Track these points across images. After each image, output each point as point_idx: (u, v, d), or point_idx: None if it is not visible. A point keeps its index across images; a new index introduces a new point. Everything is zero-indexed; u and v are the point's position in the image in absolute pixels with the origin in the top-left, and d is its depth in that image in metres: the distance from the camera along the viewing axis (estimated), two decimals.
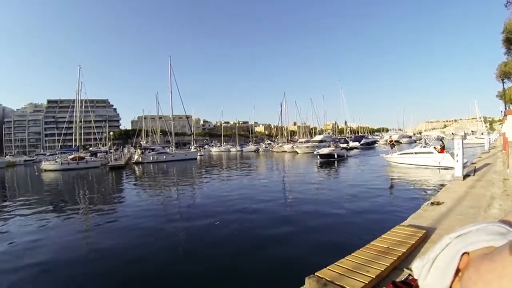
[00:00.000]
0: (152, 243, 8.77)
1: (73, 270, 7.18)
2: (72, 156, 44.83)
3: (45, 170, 41.08)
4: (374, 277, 3.60)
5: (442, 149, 21.88)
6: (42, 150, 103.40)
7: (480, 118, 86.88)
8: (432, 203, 7.66)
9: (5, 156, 79.28)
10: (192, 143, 78.58)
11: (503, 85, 29.70)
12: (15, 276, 6.91)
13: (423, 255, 0.61)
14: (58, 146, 67.22)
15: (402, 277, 3.80)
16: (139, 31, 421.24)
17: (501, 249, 0.46)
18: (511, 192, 8.35)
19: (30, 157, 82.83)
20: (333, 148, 37.83)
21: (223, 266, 6.96)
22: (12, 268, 7.41)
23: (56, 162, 43.54)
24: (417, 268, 0.65)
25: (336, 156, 35.78)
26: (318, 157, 36.57)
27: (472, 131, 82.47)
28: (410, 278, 1.42)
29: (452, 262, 0.53)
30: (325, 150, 37.26)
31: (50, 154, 64.47)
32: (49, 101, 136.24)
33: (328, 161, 34.02)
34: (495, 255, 0.46)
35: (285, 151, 61.71)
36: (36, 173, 38.43)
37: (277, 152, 65.71)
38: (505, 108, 30.90)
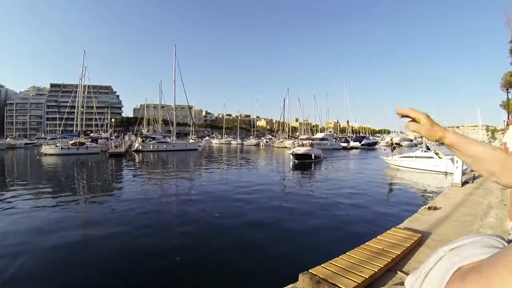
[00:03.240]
0: (146, 235, 8.81)
1: (64, 259, 7.23)
2: (73, 141, 44.79)
3: (45, 154, 41.05)
4: (367, 277, 3.62)
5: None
6: (43, 134, 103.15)
7: (482, 126, 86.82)
8: (429, 208, 7.69)
9: (6, 139, 79.33)
10: (191, 134, 78.41)
11: (507, 95, 29.65)
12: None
13: (417, 260, 0.61)
14: (59, 130, 67.08)
15: (398, 282, 3.84)
16: (146, 17, 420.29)
17: (488, 261, 0.45)
18: (508, 202, 8.37)
19: (31, 140, 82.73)
20: (310, 148, 33.33)
21: (217, 259, 7.01)
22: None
23: (57, 146, 43.50)
24: (409, 283, 0.63)
25: (313, 157, 32.00)
26: (292, 157, 32.03)
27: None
28: None
29: (446, 276, 0.52)
30: (300, 150, 32.63)
31: (51, 138, 64.26)
32: (52, 85, 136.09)
33: (303, 163, 30.07)
34: (483, 266, 0.45)
35: (286, 147, 61.32)
36: (37, 157, 38.45)
37: (278, 147, 65.77)
38: (508, 118, 30.82)
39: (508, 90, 28.69)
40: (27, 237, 8.36)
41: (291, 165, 29.56)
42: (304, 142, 41.50)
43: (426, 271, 0.57)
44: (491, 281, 0.40)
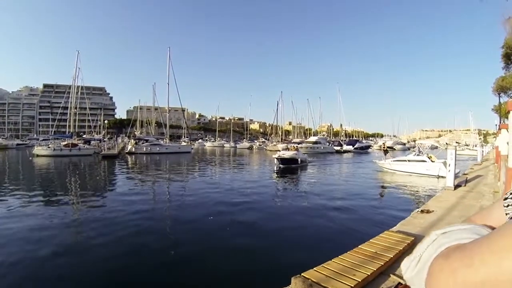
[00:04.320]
0: (137, 239, 8.74)
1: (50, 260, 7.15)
2: (65, 142, 44.48)
3: (37, 155, 40.71)
4: (360, 280, 3.61)
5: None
6: (35, 135, 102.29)
7: (474, 130, 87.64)
8: (421, 211, 7.71)
9: None
10: (183, 136, 78.15)
11: (499, 99, 29.95)
12: None
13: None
14: (51, 131, 66.37)
15: (391, 285, 3.82)
16: (141, 19, 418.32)
17: (473, 241, 0.47)
18: (493, 202, 8.40)
19: (23, 141, 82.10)
20: (296, 152, 31.82)
21: (212, 261, 6.97)
22: None
23: (49, 147, 43.16)
24: (405, 265, 0.65)
25: (299, 162, 30.56)
26: (276, 161, 30.19)
27: (465, 143, 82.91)
28: (400, 286, 1.42)
29: (433, 254, 0.54)
30: (286, 154, 30.84)
31: (43, 139, 63.62)
32: (45, 85, 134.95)
33: (288, 168, 28.85)
34: (467, 245, 0.47)
35: (279, 150, 61.09)
36: (29, 158, 38.08)
37: (271, 150, 65.80)
38: (500, 122, 31.14)
39: (500, 95, 28.97)
40: (15, 241, 8.25)
41: (275, 169, 28.51)
42: (289, 146, 39.56)
43: (421, 253, 0.59)
44: (473, 261, 0.42)
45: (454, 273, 0.44)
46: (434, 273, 0.49)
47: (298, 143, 51.67)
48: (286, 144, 53.13)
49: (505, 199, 0.62)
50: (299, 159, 30.50)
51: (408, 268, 0.63)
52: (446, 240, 0.55)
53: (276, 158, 30.19)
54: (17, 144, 71.83)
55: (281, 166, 29.21)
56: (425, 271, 0.56)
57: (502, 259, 0.37)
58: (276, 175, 24.70)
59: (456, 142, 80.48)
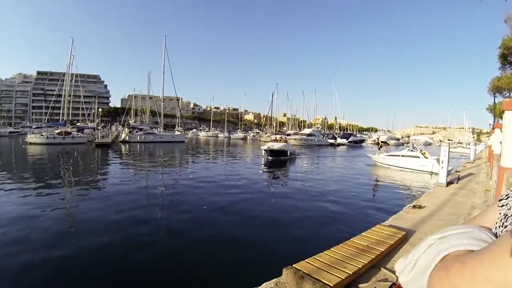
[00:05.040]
0: (130, 225, 8.74)
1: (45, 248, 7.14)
2: (59, 130, 44.02)
3: (30, 143, 40.28)
4: (351, 273, 3.63)
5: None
6: (28, 123, 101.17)
7: (468, 128, 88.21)
8: (414, 206, 7.76)
9: None
10: (177, 125, 77.95)
11: (494, 99, 30.07)
12: None
13: (406, 253, 0.62)
14: (45, 119, 65.71)
15: (384, 284, 3.86)
16: (137, 6, 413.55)
17: (474, 255, 0.45)
18: (491, 203, 8.50)
19: (16, 129, 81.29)
20: (285, 144, 30.87)
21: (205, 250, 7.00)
22: None
23: (42, 135, 42.79)
24: (400, 267, 0.65)
25: (288, 154, 29.88)
26: (264, 153, 29.25)
27: (459, 141, 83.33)
28: (394, 286, 1.42)
29: (431, 263, 0.53)
30: (275, 146, 29.37)
31: (36, 127, 63.10)
32: (38, 73, 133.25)
33: (277, 160, 28.10)
34: (468, 259, 0.45)
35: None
36: (24, 146, 37.80)
37: (265, 141, 65.85)
38: (494, 121, 31.34)
39: (495, 95, 29.09)
40: (7, 226, 8.23)
41: (263, 161, 27.91)
42: (277, 137, 37.71)
43: (416, 258, 0.58)
44: (475, 277, 0.41)
45: None
46: (435, 287, 0.48)
47: (288, 135, 51.36)
48: (280, 135, 52.90)
49: (500, 200, 0.63)
50: (288, 151, 29.86)
51: (403, 271, 0.63)
52: (444, 246, 0.53)
53: (265, 150, 29.14)
54: (10, 132, 71.02)
55: (269, 158, 28.42)
56: (421, 279, 0.55)
57: (508, 277, 0.36)
58: (266, 167, 24.56)
59: (448, 140, 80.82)
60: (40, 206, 10.46)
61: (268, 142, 34.95)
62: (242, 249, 7.23)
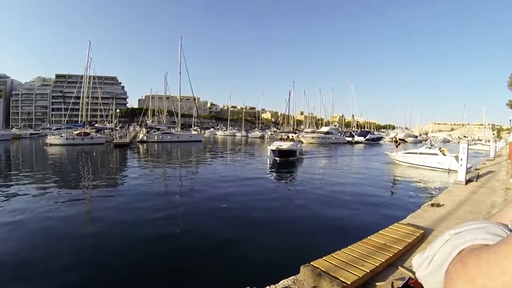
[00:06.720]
0: (150, 224, 8.89)
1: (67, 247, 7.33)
2: (78, 131, 44.97)
3: (50, 145, 41.26)
4: (368, 271, 3.63)
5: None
6: (48, 124, 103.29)
7: (488, 125, 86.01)
8: (432, 204, 7.67)
9: (12, 129, 79.39)
10: (193, 125, 78.34)
11: None
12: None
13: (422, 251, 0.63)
14: (64, 121, 67.31)
15: (401, 282, 3.85)
16: (152, 8, 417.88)
17: (489, 248, 0.46)
18: (509, 200, 8.31)
19: (36, 130, 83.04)
20: (293, 143, 28.22)
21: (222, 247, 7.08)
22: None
23: (62, 137, 43.77)
24: (417, 262, 0.65)
25: (297, 154, 27.52)
26: (272, 153, 26.65)
27: (478, 138, 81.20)
28: (411, 281, 1.45)
29: (448, 258, 0.54)
30: (284, 145, 26.61)
31: (56, 129, 64.49)
32: (57, 76, 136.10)
33: (286, 161, 25.52)
34: (483, 252, 0.46)
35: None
36: (44, 147, 38.71)
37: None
38: None
39: None
40: (32, 225, 8.49)
41: (269, 162, 25.80)
42: (283, 136, 34.85)
43: (433, 253, 0.59)
44: (490, 268, 0.41)
45: (472, 281, 0.44)
46: (452, 280, 0.49)
47: (295, 134, 50.12)
48: (297, 134, 52.06)
49: None
50: (297, 151, 27.59)
51: (420, 266, 0.63)
52: (460, 241, 0.54)
53: (273, 150, 26.41)
54: (31, 134, 72.44)
55: (276, 159, 25.79)
56: (438, 274, 0.56)
57: None
58: (278, 167, 23.22)
59: (464, 136, 78.86)
60: (61, 204, 10.77)
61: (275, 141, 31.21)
62: (260, 247, 7.27)
